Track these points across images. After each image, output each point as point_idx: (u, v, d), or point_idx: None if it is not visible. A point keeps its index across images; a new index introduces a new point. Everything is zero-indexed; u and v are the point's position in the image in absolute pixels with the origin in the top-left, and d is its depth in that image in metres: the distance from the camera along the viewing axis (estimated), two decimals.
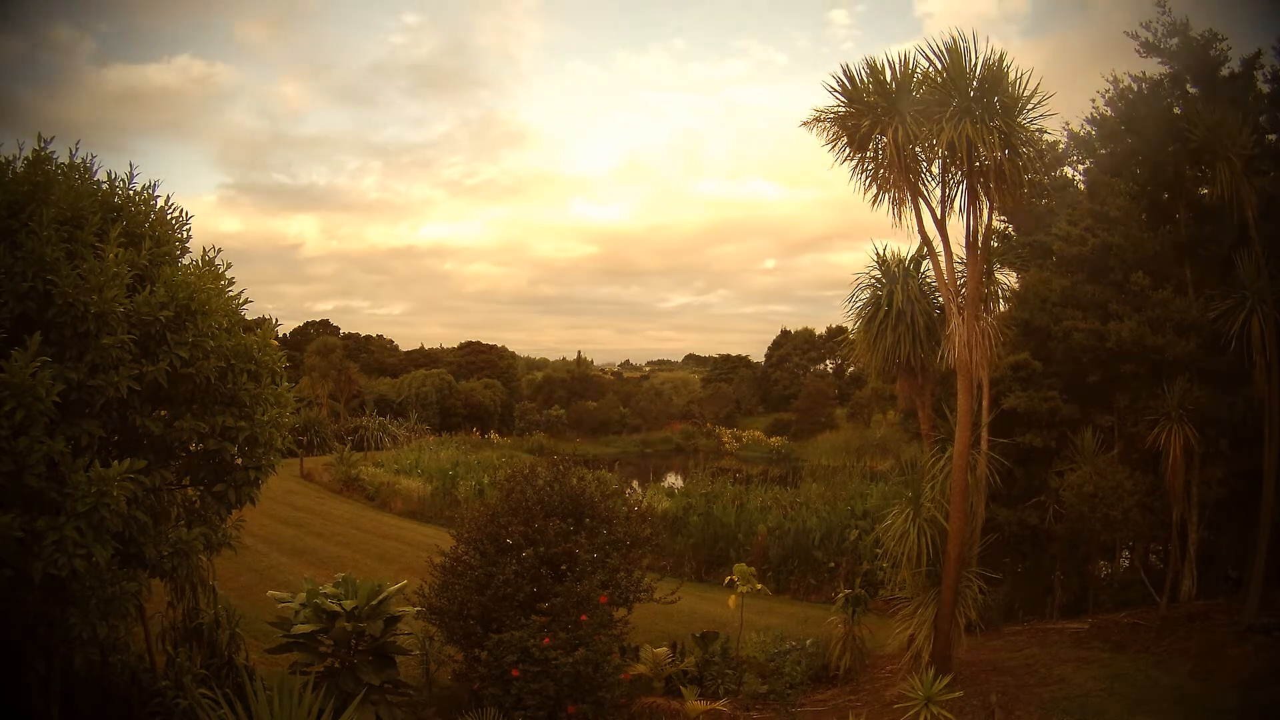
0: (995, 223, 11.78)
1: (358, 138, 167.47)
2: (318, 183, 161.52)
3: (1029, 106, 8.50)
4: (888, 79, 8.73)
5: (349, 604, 8.07)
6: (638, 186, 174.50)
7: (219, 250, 6.70)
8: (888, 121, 8.55)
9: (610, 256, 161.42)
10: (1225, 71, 13.26)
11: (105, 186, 6.46)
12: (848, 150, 9.16)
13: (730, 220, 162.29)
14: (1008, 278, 13.29)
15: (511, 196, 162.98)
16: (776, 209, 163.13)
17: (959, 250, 9.35)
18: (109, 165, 6.60)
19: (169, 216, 6.77)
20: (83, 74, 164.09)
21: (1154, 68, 13.87)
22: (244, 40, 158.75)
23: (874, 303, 10.80)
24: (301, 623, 8.06)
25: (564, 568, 8.65)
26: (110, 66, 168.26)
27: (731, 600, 10.67)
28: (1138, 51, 13.77)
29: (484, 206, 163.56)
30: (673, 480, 33.20)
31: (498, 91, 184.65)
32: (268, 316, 7.13)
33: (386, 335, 74.72)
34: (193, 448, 6.50)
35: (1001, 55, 8.37)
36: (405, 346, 70.79)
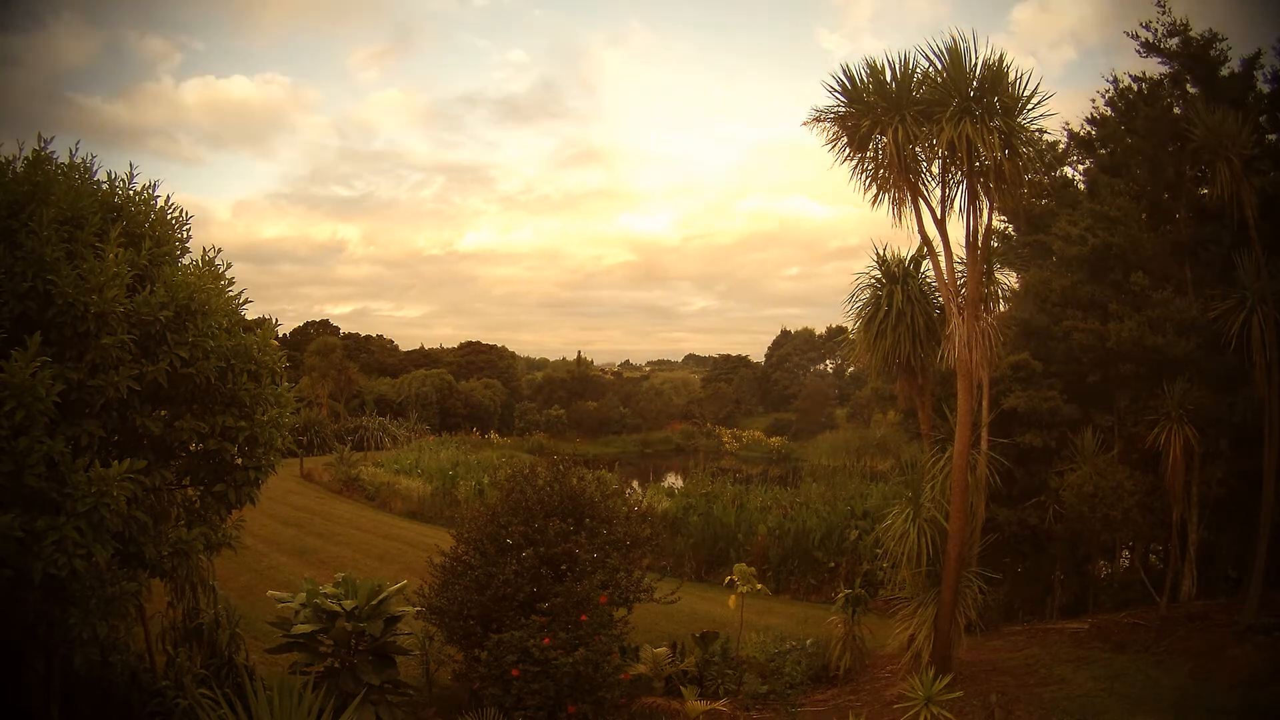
0: (995, 223, 11.78)
1: (428, 156, 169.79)
2: (374, 194, 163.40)
3: (1029, 106, 8.50)
4: (888, 79, 8.73)
5: (349, 604, 8.08)
6: (686, 201, 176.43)
7: (219, 250, 6.71)
8: (888, 121, 8.54)
9: (644, 264, 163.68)
10: (1225, 71, 13.26)
11: (105, 186, 6.46)
12: (848, 150, 9.15)
13: (764, 232, 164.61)
14: (1008, 278, 13.28)
15: (563, 210, 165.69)
16: (810, 223, 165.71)
17: (959, 250, 9.36)
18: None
19: (169, 216, 6.77)
20: (164, 83, 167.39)
21: (1154, 68, 13.90)
22: (343, 64, 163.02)
23: (874, 303, 10.79)
24: (301, 623, 8.06)
25: (564, 568, 8.65)
26: (194, 79, 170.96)
27: (731, 600, 10.67)
28: (1138, 51, 13.78)
29: (533, 219, 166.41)
30: (673, 480, 33.21)
31: (574, 123, 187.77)
32: (267, 317, 7.14)
33: (409, 334, 74.42)
34: (193, 448, 6.50)
35: (1001, 55, 8.38)
36: (410, 346, 70.86)
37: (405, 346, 70.28)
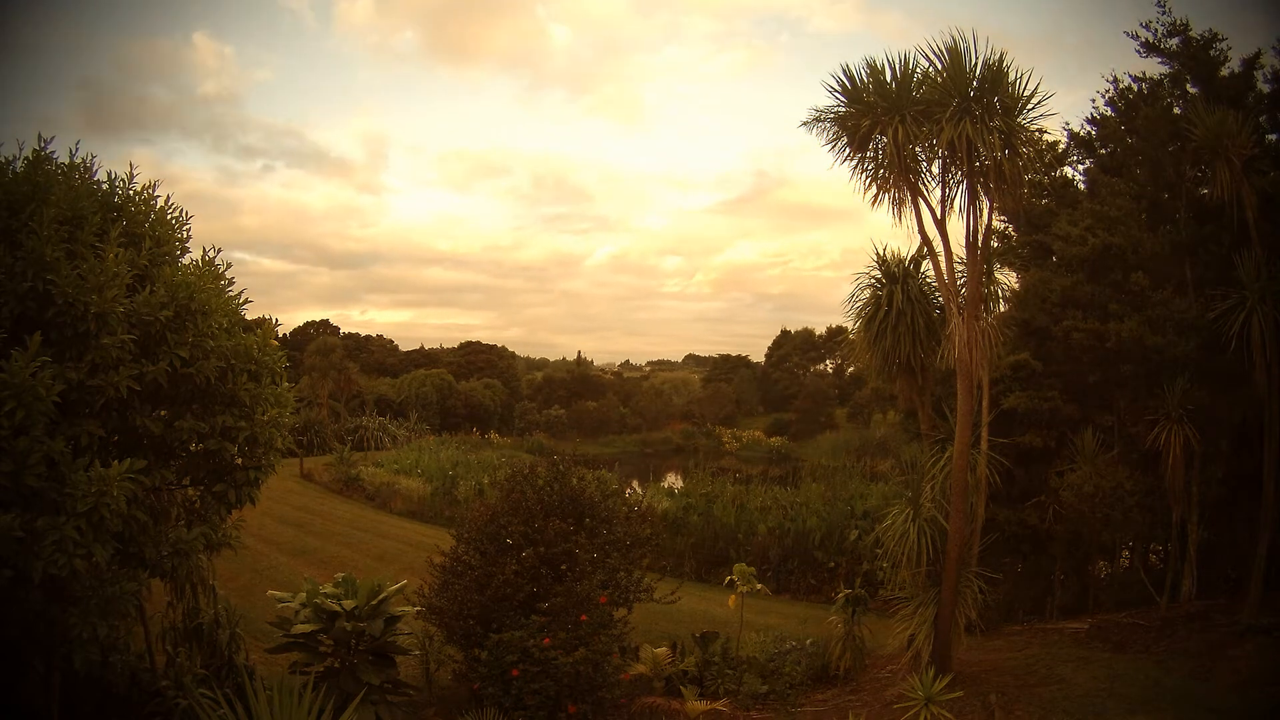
0: (995, 223, 11.78)
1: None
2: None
3: (1029, 106, 8.50)
4: (888, 79, 8.73)
5: (349, 604, 8.08)
6: (759, 207, 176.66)
7: (219, 250, 6.72)
8: (888, 121, 8.54)
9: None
10: (1225, 71, 13.26)
11: (105, 186, 6.47)
12: (848, 150, 9.15)
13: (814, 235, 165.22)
14: (1008, 278, 13.24)
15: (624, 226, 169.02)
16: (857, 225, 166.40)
17: (959, 250, 9.35)
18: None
19: (169, 216, 6.78)
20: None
21: (1154, 68, 13.89)
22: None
23: (874, 303, 10.78)
24: (301, 623, 8.06)
25: (564, 568, 8.65)
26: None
27: (731, 600, 10.67)
28: (1138, 51, 13.78)
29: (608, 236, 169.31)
30: (673, 480, 33.20)
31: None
32: (267, 317, 7.15)
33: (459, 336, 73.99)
34: (193, 448, 6.51)
35: (1002, 55, 8.38)
36: (409, 347, 70.90)
37: (407, 346, 70.42)
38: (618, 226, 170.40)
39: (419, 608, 8.91)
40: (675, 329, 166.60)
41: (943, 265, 9.17)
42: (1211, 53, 13.21)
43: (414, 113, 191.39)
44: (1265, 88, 13.01)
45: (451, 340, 75.69)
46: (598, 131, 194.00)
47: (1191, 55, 13.29)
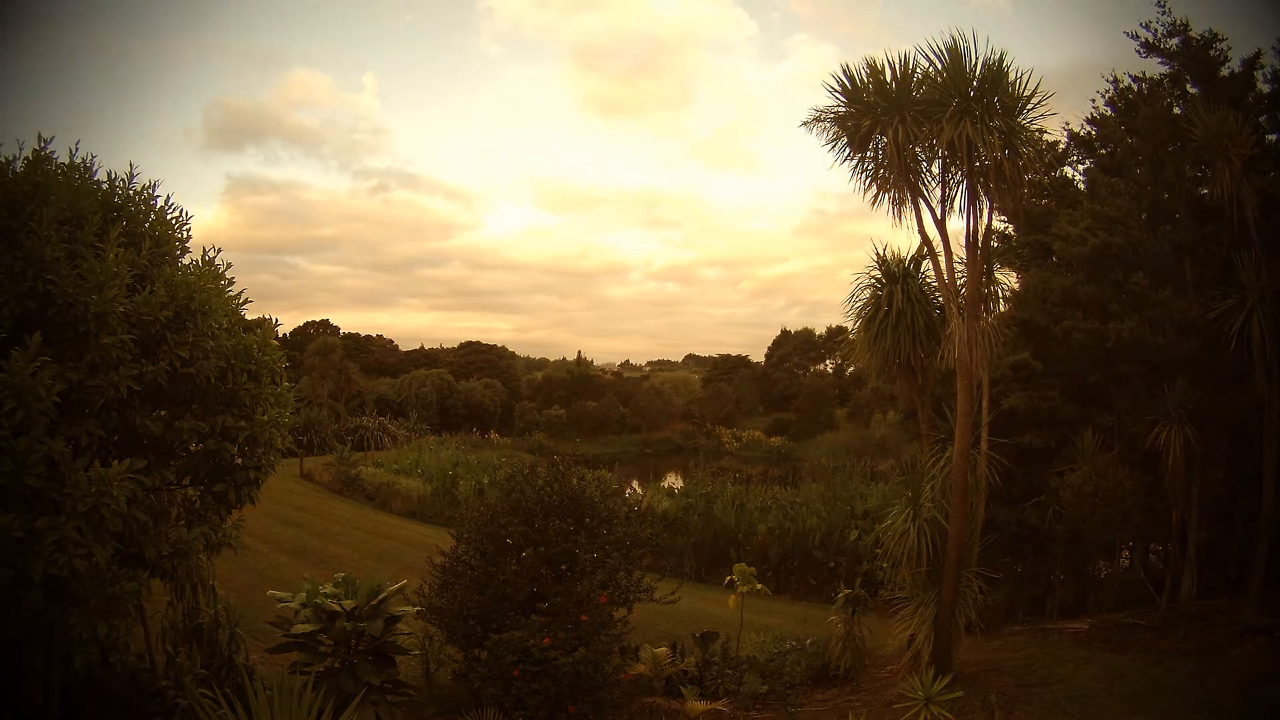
0: (995, 223, 11.79)
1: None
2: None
3: (1029, 106, 8.50)
4: (888, 79, 8.73)
5: (349, 604, 8.08)
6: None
7: (218, 250, 6.72)
8: (888, 121, 8.54)
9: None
10: (1225, 71, 13.26)
11: (105, 186, 6.47)
12: (848, 150, 9.15)
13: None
14: (1008, 278, 13.23)
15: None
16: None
17: (959, 250, 9.36)
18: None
19: (169, 216, 6.78)
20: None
21: (1154, 68, 13.90)
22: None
23: (874, 303, 10.77)
24: (301, 623, 8.06)
25: (564, 567, 8.65)
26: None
27: (731, 600, 10.67)
28: (1138, 51, 13.79)
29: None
30: (673, 480, 33.19)
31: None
32: (266, 317, 7.15)
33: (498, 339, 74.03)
34: (193, 447, 6.51)
35: (1002, 55, 8.38)
36: (408, 347, 70.91)
37: (408, 347, 70.45)
38: (682, 244, 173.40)
39: (419, 608, 8.91)
40: (698, 333, 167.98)
41: (943, 265, 9.18)
42: (1211, 53, 13.22)
43: (528, 146, 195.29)
44: (1265, 88, 13.03)
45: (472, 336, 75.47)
46: (696, 173, 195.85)
47: (1191, 55, 13.29)
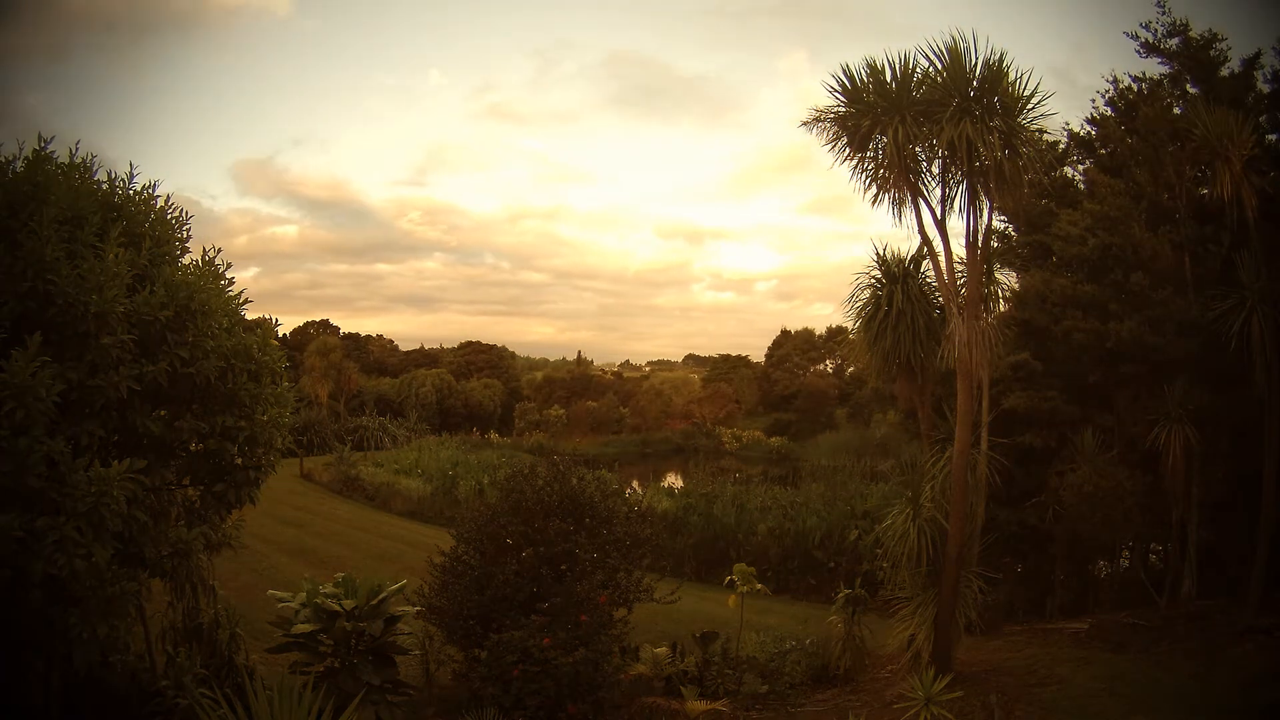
0: (995, 223, 11.80)
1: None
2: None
3: (1029, 106, 8.50)
4: (888, 79, 8.72)
5: (349, 604, 8.07)
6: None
7: (218, 250, 6.72)
8: (888, 121, 8.54)
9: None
10: (1225, 71, 13.27)
11: (105, 186, 6.47)
12: (848, 150, 9.15)
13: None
14: (1008, 278, 13.26)
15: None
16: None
17: (959, 250, 9.35)
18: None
19: (169, 216, 6.78)
20: None
21: (1154, 68, 13.90)
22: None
23: (874, 303, 10.77)
24: (301, 622, 8.06)
25: (564, 568, 8.65)
26: None
27: (731, 600, 10.66)
28: (1138, 52, 13.78)
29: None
30: (673, 480, 33.19)
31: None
32: (266, 317, 7.15)
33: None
34: (193, 447, 6.51)
35: (1002, 55, 8.37)
36: (408, 347, 70.92)
37: (408, 347, 70.45)
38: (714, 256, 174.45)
39: (419, 608, 8.91)
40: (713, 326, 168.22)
41: (943, 265, 9.17)
42: (1211, 53, 13.22)
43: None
44: (1265, 88, 13.03)
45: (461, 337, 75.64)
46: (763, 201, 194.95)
47: (1191, 55, 13.30)
